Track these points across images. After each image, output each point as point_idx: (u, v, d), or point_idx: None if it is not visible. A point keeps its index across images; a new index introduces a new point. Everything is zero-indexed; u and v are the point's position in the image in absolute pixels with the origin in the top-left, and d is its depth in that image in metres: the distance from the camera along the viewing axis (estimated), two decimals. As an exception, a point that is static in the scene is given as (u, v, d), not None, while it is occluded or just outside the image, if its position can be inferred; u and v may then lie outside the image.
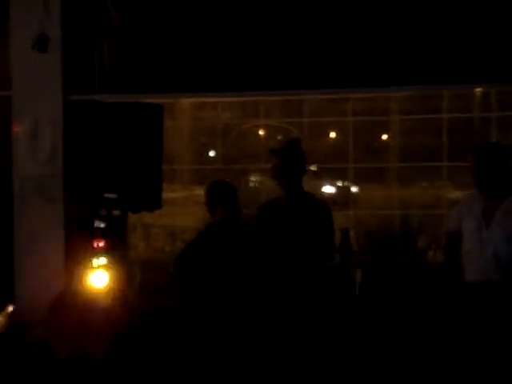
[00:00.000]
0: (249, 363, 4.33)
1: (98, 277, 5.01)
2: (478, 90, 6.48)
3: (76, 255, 5.27)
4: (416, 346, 4.83)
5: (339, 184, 12.55)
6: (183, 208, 6.99)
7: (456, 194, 6.67)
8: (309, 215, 4.45)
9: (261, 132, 9.57)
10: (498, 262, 3.96)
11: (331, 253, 4.53)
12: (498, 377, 3.92)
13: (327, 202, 4.69)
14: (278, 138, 8.98)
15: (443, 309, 4.24)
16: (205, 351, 4.44)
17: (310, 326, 4.37)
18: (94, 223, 4.97)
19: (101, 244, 4.97)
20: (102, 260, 5.01)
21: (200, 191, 4.89)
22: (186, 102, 6.99)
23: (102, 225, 4.96)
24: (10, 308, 5.47)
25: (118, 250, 5.03)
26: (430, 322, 4.67)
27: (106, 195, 4.92)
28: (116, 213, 5.01)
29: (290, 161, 4.48)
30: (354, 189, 9.53)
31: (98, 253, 4.99)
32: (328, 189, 13.76)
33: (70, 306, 5.06)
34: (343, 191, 11.44)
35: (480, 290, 3.99)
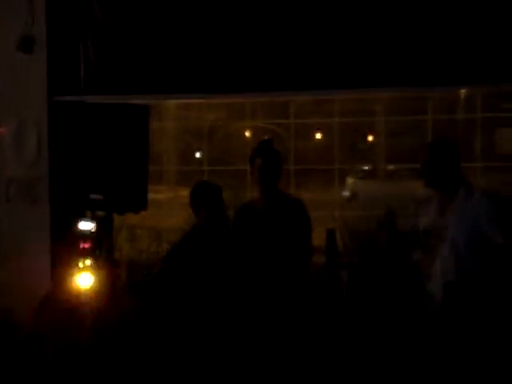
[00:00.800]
0: (233, 364, 4.33)
1: (84, 278, 5.00)
2: (463, 91, 6.51)
3: (62, 256, 5.26)
4: (403, 345, 4.86)
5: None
6: (169, 209, 6.98)
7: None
8: (287, 216, 4.42)
9: (247, 133, 9.55)
10: (456, 252, 4.00)
11: (311, 251, 4.52)
12: (486, 375, 3.96)
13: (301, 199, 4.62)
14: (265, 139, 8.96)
15: (428, 308, 4.27)
16: (190, 352, 4.44)
17: (296, 327, 4.38)
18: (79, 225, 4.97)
19: (86, 245, 4.96)
20: (88, 261, 5.01)
21: (186, 192, 4.88)
22: (172, 102, 6.98)
23: (88, 226, 4.95)
24: (-4, 309, 5.46)
25: (103, 252, 5.03)
26: (415, 320, 4.70)
27: (92, 196, 4.91)
28: (101, 214, 5.01)
29: (272, 163, 4.46)
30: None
31: (83, 254, 4.98)
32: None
33: (57, 307, 5.06)
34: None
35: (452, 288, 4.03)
